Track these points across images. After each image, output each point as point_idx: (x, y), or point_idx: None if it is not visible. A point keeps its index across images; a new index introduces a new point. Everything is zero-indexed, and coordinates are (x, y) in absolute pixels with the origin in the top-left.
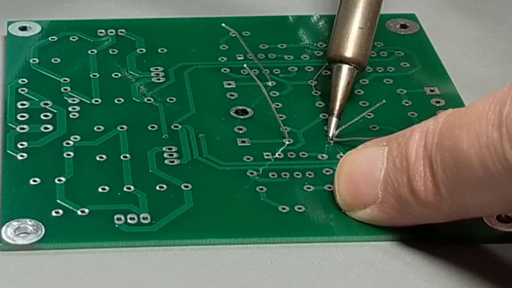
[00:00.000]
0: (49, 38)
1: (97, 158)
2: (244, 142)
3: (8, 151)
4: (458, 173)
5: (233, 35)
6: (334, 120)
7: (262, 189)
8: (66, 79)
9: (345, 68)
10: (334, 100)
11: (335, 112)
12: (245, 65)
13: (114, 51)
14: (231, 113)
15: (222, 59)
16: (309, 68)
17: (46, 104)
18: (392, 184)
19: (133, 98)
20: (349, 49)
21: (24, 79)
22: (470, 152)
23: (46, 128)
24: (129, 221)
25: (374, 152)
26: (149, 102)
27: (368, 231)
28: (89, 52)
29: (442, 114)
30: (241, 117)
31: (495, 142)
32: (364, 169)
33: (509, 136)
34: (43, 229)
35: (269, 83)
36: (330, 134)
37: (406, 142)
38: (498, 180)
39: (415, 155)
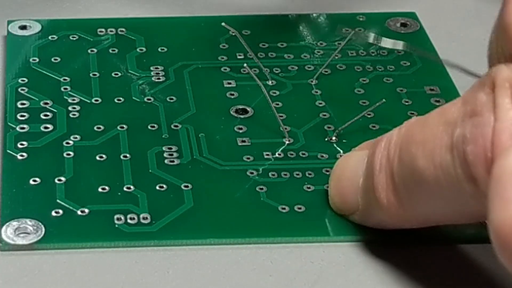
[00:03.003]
0: (49, 37)
1: (97, 158)
2: (244, 141)
3: (8, 151)
4: (415, 189)
5: (233, 34)
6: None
7: (262, 188)
8: (66, 78)
9: None
10: None
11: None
12: (245, 65)
13: (114, 50)
14: (231, 112)
15: (222, 58)
16: (309, 67)
17: (46, 103)
18: (365, 192)
19: (133, 98)
20: None
21: (24, 78)
22: (425, 172)
23: (46, 127)
24: (129, 221)
25: (360, 156)
26: (149, 101)
27: (368, 231)
28: (89, 51)
29: (405, 124)
30: (241, 116)
31: (448, 164)
32: (349, 175)
33: (460, 160)
34: (43, 229)
35: (269, 82)
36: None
37: (373, 151)
38: (451, 199)
39: (379, 165)
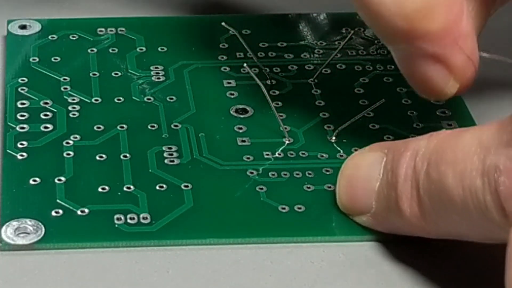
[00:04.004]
0: (49, 37)
1: (97, 158)
2: (244, 141)
3: (8, 151)
4: (441, 205)
5: (233, 34)
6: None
7: (262, 188)
8: (66, 78)
9: None
10: None
11: None
12: (245, 64)
13: (114, 50)
14: (231, 112)
15: (222, 57)
16: (309, 67)
17: (46, 103)
18: (384, 197)
19: (133, 97)
20: None
21: (24, 78)
22: (453, 192)
23: (46, 127)
24: (129, 221)
25: (374, 158)
26: (149, 101)
27: (368, 231)
28: (89, 50)
29: (435, 136)
30: (241, 116)
31: (478, 189)
32: (363, 175)
33: (491, 188)
34: (43, 229)
35: (269, 82)
36: None
37: (398, 159)
38: (478, 222)
39: (404, 175)
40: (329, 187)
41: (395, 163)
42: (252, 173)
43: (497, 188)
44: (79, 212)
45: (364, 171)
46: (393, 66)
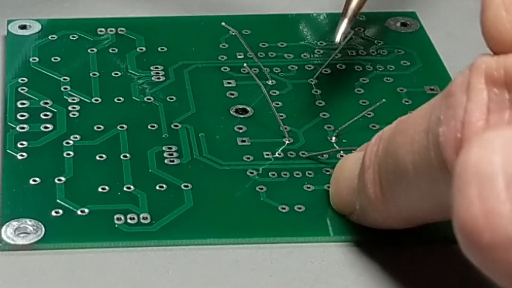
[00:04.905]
0: (49, 37)
1: (97, 158)
2: (244, 141)
3: (8, 151)
4: (397, 180)
5: (233, 34)
6: (345, 21)
7: (262, 188)
8: (66, 78)
9: None
10: (347, 2)
11: (348, 13)
12: (245, 64)
13: (114, 50)
14: (231, 112)
15: (222, 57)
16: (309, 67)
17: (46, 103)
18: (360, 191)
19: (133, 97)
20: None
21: (24, 78)
22: (406, 159)
23: (46, 127)
24: (129, 221)
25: (357, 158)
26: (149, 101)
27: (368, 232)
28: (89, 50)
29: (397, 120)
30: (241, 116)
31: (424, 149)
32: (347, 176)
33: (434, 143)
34: (43, 229)
35: (269, 82)
36: (337, 39)
37: (366, 149)
38: (430, 188)
39: (369, 161)
40: (329, 187)
41: (364, 155)
42: (252, 173)
43: (438, 140)
44: (79, 212)
45: (347, 171)
46: (393, 66)
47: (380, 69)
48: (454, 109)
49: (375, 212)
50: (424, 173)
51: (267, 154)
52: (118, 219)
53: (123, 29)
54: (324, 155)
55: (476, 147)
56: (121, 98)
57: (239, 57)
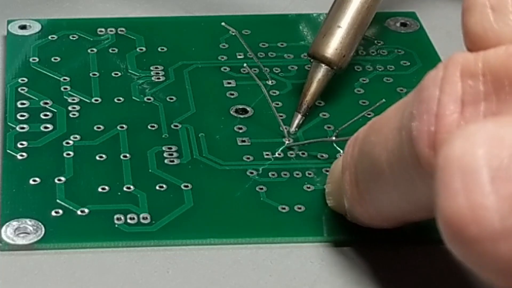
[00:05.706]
0: (49, 37)
1: (97, 158)
2: (244, 141)
3: (8, 151)
4: (373, 179)
5: (233, 34)
6: (298, 117)
7: (262, 188)
8: (66, 78)
9: (315, 65)
10: (302, 96)
11: (301, 108)
12: (245, 65)
13: (114, 50)
14: (231, 112)
15: (222, 58)
16: (309, 67)
17: (46, 103)
18: (344, 193)
19: (133, 97)
20: (322, 47)
21: (24, 78)
22: (381, 158)
23: (46, 127)
24: (129, 221)
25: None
26: (149, 101)
27: (368, 232)
28: (89, 51)
29: (372, 120)
30: (241, 116)
31: (398, 146)
32: (336, 177)
33: (407, 138)
34: (43, 229)
35: (269, 82)
36: (292, 129)
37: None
38: (406, 186)
39: (345, 164)
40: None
41: (342, 157)
42: (252, 173)
43: (411, 135)
44: (79, 212)
45: (337, 172)
46: (393, 66)
47: (380, 69)
48: (427, 103)
49: (356, 213)
50: (399, 171)
51: (267, 154)
52: (118, 219)
53: (123, 29)
54: (324, 155)
55: (460, 140)
56: (121, 98)
57: (239, 57)
